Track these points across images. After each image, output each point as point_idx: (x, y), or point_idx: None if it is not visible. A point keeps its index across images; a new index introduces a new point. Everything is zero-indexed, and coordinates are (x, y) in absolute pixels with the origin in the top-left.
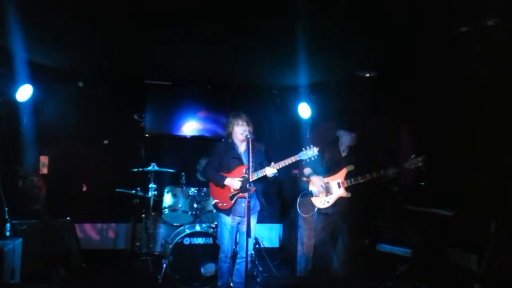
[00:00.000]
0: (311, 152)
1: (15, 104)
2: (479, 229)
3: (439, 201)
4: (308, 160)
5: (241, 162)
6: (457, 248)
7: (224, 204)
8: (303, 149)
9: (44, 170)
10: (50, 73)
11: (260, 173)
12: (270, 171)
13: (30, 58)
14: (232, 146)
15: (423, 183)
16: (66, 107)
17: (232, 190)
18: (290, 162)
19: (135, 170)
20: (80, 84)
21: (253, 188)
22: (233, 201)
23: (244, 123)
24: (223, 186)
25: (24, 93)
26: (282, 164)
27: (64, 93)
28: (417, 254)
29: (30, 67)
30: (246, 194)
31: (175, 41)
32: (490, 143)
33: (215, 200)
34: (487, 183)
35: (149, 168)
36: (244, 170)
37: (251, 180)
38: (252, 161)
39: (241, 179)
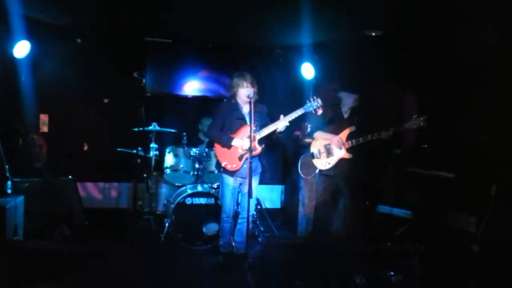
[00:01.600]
0: (315, 103)
1: (13, 61)
2: (479, 191)
3: (441, 164)
4: (310, 118)
5: (244, 123)
6: (457, 211)
7: (234, 166)
8: (307, 101)
9: (44, 129)
10: (47, 29)
11: (267, 130)
12: (282, 124)
13: (26, 13)
14: (236, 107)
15: (425, 146)
16: (65, 64)
17: (240, 151)
18: (297, 115)
19: (136, 129)
20: (78, 40)
21: (260, 147)
22: (242, 162)
23: (249, 85)
24: (230, 147)
25: (22, 49)
26: (290, 117)
27: (63, 50)
28: (417, 215)
29: (27, 23)
30: (249, 155)
31: None
32: (493, 106)
33: (224, 163)
34: (489, 146)
35: (150, 127)
36: (248, 129)
37: (257, 139)
38: (257, 121)
39: (249, 139)
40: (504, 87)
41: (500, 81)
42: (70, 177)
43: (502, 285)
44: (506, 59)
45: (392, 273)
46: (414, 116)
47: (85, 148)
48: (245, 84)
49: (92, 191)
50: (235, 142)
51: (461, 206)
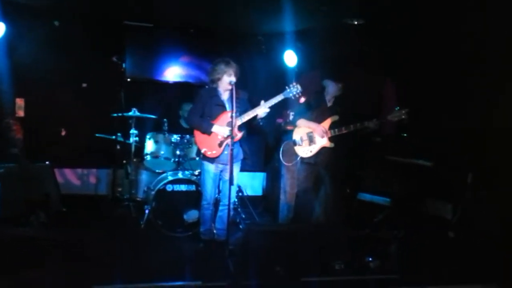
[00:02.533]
0: (295, 90)
1: None
2: (456, 180)
3: (420, 152)
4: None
5: (224, 109)
6: (434, 198)
7: (214, 152)
8: (287, 87)
9: (21, 113)
10: (24, 10)
11: (246, 116)
12: (262, 110)
13: None
14: (216, 93)
15: (405, 135)
16: (42, 47)
17: (220, 137)
18: (276, 101)
19: (115, 115)
20: (56, 23)
21: (241, 133)
22: (222, 148)
23: (233, 74)
24: (210, 133)
25: None
26: (270, 102)
27: (40, 33)
28: (396, 203)
29: (2, 4)
30: (230, 141)
31: None
32: (470, 95)
33: (204, 149)
34: (466, 135)
35: (130, 113)
36: (229, 115)
37: (237, 125)
38: (237, 107)
39: (229, 126)
40: (481, 76)
41: (477, 70)
42: (47, 162)
43: (475, 269)
44: (483, 48)
45: (370, 259)
46: (396, 109)
47: (63, 133)
48: (231, 72)
49: (70, 177)
50: (215, 128)
51: (438, 193)
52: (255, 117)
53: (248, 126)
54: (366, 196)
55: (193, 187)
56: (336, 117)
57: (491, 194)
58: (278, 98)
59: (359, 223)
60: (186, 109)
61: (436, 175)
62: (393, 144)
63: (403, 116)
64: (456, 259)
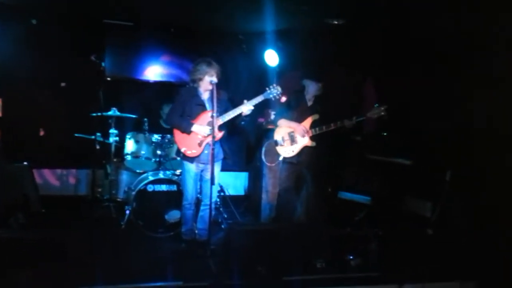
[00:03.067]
0: (275, 91)
1: None
2: (435, 178)
3: (399, 151)
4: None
5: (204, 109)
6: (414, 196)
7: (193, 152)
8: (267, 88)
9: None
10: (0, 9)
11: (232, 114)
12: (247, 108)
13: None
14: (196, 93)
15: (385, 133)
16: (20, 46)
17: (200, 137)
18: (257, 101)
19: (94, 114)
20: (34, 21)
21: (221, 133)
22: (202, 147)
23: (215, 74)
24: (190, 133)
25: None
26: (252, 102)
27: (17, 31)
28: (376, 201)
29: None
30: (211, 141)
31: None
32: (449, 94)
33: (183, 149)
34: (445, 135)
35: (110, 113)
36: (209, 115)
37: (217, 125)
38: (217, 107)
39: (209, 125)
40: (460, 75)
41: (456, 68)
42: (25, 163)
43: (454, 266)
44: (461, 46)
45: (351, 257)
46: (375, 106)
47: (41, 133)
48: (212, 73)
49: (49, 178)
50: (195, 128)
51: (418, 192)
52: (239, 116)
53: (229, 126)
54: (347, 195)
55: (174, 187)
56: (316, 116)
57: (469, 192)
58: (259, 99)
59: (340, 221)
60: (166, 110)
61: (415, 173)
62: (373, 142)
63: (382, 113)
64: (435, 257)
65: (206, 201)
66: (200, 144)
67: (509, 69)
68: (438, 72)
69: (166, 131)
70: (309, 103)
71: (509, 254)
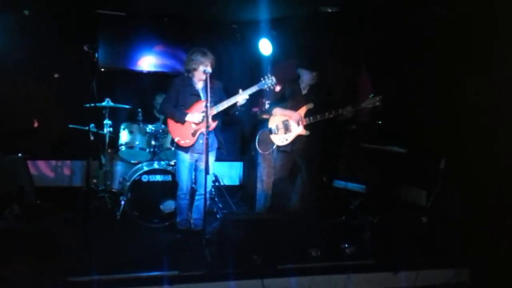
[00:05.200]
0: (270, 81)
1: None
2: (430, 166)
3: (394, 139)
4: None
5: (199, 98)
6: (409, 184)
7: (187, 141)
8: (262, 79)
9: None
10: None
11: (226, 103)
12: (242, 97)
13: None
14: (190, 82)
15: (379, 122)
16: (12, 37)
17: (193, 126)
18: (252, 92)
19: (88, 105)
20: (26, 12)
21: (215, 123)
22: (195, 137)
23: (210, 64)
24: (184, 122)
25: None
26: (246, 92)
27: (10, 22)
28: (370, 189)
29: None
30: (205, 131)
31: None
32: (443, 82)
33: (177, 138)
34: (439, 123)
35: (103, 103)
36: (203, 105)
37: (211, 114)
38: (211, 96)
39: (203, 114)
40: (454, 64)
41: (451, 56)
42: (20, 155)
43: (448, 254)
44: (457, 36)
45: (346, 245)
46: (370, 96)
47: (35, 124)
48: (207, 63)
49: (43, 169)
50: (189, 117)
51: (412, 180)
52: (234, 105)
53: (224, 115)
54: (342, 184)
55: (169, 177)
56: (311, 105)
57: (464, 180)
58: (253, 89)
59: (334, 210)
60: (159, 100)
61: (410, 162)
62: (368, 131)
63: (377, 103)
64: (430, 245)
65: (200, 191)
66: (194, 134)
67: (505, 56)
68: (433, 60)
69: (161, 122)
70: (304, 92)
71: (503, 242)
